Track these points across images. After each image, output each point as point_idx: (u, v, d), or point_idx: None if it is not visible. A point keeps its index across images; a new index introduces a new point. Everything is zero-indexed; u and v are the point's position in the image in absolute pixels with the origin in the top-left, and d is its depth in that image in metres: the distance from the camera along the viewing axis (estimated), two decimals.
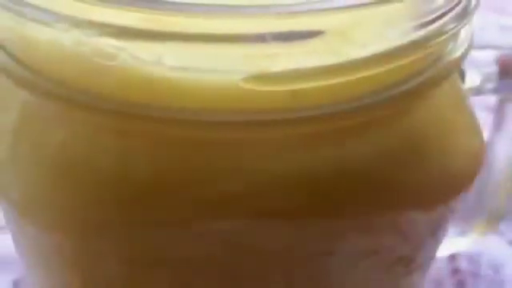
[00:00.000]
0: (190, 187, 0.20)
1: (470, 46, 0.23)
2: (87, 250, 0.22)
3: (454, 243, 0.33)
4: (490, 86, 0.27)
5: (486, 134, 0.26)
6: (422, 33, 0.20)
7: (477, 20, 0.23)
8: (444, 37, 0.21)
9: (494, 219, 0.34)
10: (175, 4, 0.18)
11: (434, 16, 0.20)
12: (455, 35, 0.22)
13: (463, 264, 0.37)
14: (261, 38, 0.18)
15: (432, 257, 0.27)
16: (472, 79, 0.27)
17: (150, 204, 0.20)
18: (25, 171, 0.22)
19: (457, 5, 0.21)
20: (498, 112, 0.31)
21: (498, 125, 0.31)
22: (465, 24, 0.21)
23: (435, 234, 0.25)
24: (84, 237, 0.21)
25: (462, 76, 0.26)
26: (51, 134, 0.21)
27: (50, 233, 0.22)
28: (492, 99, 0.31)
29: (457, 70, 0.23)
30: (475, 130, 0.25)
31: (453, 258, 0.37)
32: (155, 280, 0.22)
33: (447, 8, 0.20)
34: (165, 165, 0.20)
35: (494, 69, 0.27)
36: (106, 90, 0.19)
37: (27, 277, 0.31)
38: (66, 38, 0.19)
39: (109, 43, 0.19)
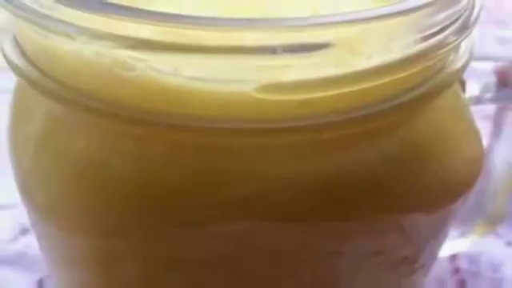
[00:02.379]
0: (205, 191, 0.20)
1: (470, 58, 0.23)
2: (108, 251, 0.22)
3: (454, 244, 0.33)
4: (488, 95, 0.27)
5: (485, 141, 0.26)
6: (424, 45, 0.20)
7: (477, 33, 0.23)
8: (445, 49, 0.21)
9: (492, 222, 0.33)
10: (192, 18, 0.18)
11: (435, 29, 0.20)
12: (456, 47, 0.22)
13: (463, 264, 0.36)
14: (272, 50, 0.18)
15: (434, 257, 0.27)
16: (472, 89, 0.27)
17: (167, 207, 0.20)
18: (48, 177, 0.22)
19: (458, 19, 0.21)
20: (497, 120, 0.31)
21: (496, 132, 0.31)
22: (465, 37, 0.21)
23: (437, 235, 0.25)
24: (105, 239, 0.21)
25: (463, 86, 0.26)
26: (73, 141, 0.21)
27: (72, 235, 0.22)
28: (491, 108, 0.31)
29: (457, 80, 0.23)
30: (475, 136, 0.24)
31: (454, 258, 0.36)
32: (172, 280, 0.22)
33: (448, 22, 0.20)
34: (180, 169, 0.20)
35: (492, 79, 0.27)
36: (126, 98, 0.19)
37: (51, 276, 0.31)
38: (88, 50, 0.19)
39: (128, 55, 0.19)
